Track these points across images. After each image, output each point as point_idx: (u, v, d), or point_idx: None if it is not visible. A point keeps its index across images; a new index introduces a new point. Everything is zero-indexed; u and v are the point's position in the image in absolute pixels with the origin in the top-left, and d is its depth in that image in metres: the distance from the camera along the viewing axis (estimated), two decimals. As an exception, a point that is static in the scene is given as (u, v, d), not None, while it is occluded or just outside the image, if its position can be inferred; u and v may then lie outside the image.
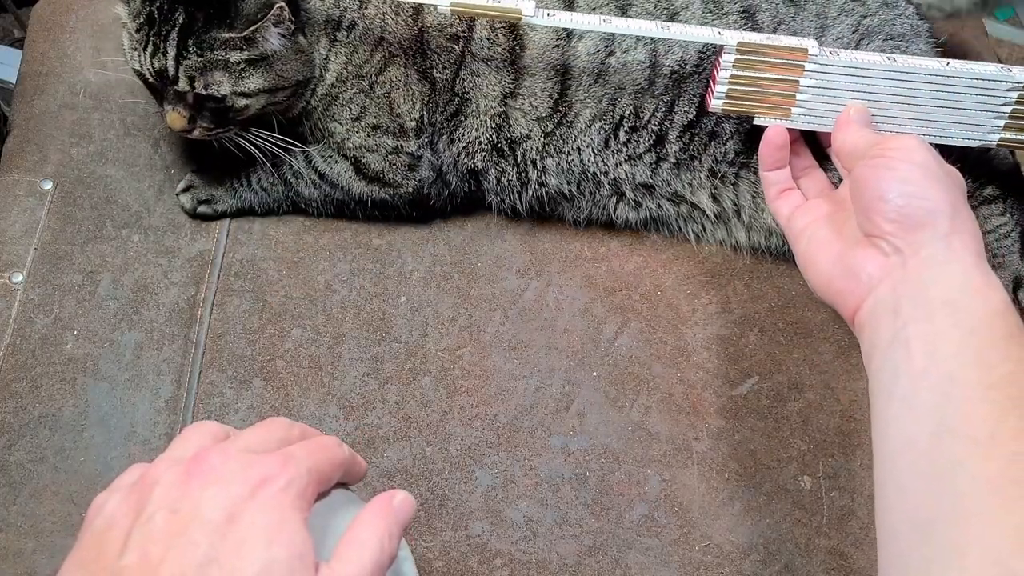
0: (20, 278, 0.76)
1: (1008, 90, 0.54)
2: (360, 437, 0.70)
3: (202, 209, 0.79)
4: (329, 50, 0.73)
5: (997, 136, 0.57)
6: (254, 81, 0.69)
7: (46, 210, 0.80)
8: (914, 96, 0.56)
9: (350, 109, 0.74)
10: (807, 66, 0.56)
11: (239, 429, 0.44)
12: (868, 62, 0.55)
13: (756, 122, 0.59)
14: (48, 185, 0.81)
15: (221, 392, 0.72)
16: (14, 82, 0.90)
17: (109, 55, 0.89)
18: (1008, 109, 0.55)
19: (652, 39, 0.72)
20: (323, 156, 0.77)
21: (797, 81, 0.57)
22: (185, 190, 0.80)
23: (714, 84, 0.59)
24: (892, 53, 0.59)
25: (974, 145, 0.58)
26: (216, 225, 0.80)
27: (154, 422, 0.71)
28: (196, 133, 0.73)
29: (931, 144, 0.53)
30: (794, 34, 0.72)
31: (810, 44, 0.56)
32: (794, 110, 0.58)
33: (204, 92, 0.69)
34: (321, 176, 0.78)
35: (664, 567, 0.66)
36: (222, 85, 0.69)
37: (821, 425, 0.72)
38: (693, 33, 0.58)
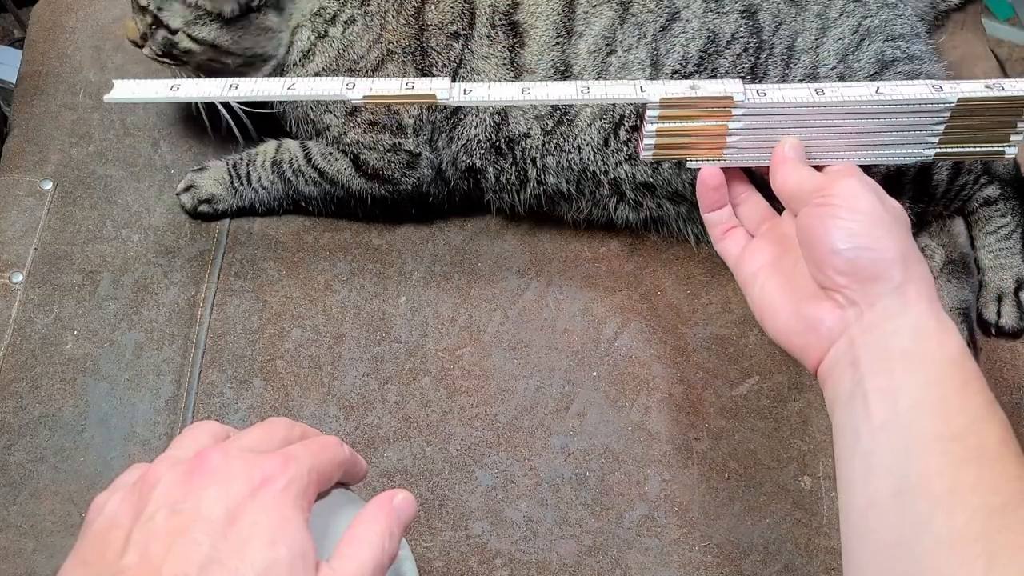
0: (20, 278, 0.76)
1: (940, 110, 0.54)
2: (360, 437, 0.70)
3: (203, 208, 0.79)
4: (315, 43, 0.73)
5: (932, 151, 0.57)
6: (205, 31, 0.71)
7: (46, 210, 0.80)
8: (845, 126, 0.55)
9: (343, 103, 0.74)
10: (734, 110, 0.55)
11: (239, 429, 0.44)
12: (795, 99, 0.54)
13: (689, 165, 0.59)
14: (48, 185, 0.81)
15: (221, 392, 0.72)
16: (14, 82, 0.90)
17: (109, 55, 0.90)
18: (942, 127, 0.55)
19: (654, 37, 0.72)
20: (323, 154, 0.77)
21: (726, 124, 0.56)
22: (186, 190, 0.80)
23: (642, 136, 0.58)
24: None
25: (910, 162, 0.59)
26: (216, 225, 0.80)
27: (154, 422, 0.71)
28: (145, 51, 0.75)
29: (868, 165, 0.54)
30: (795, 35, 0.72)
31: (735, 90, 0.55)
32: (726, 151, 0.57)
33: (156, 13, 0.71)
34: (321, 174, 0.78)
35: (664, 567, 0.66)
36: (174, 18, 0.71)
37: (821, 425, 0.72)
38: (614, 93, 0.57)
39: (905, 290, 0.48)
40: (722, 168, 0.58)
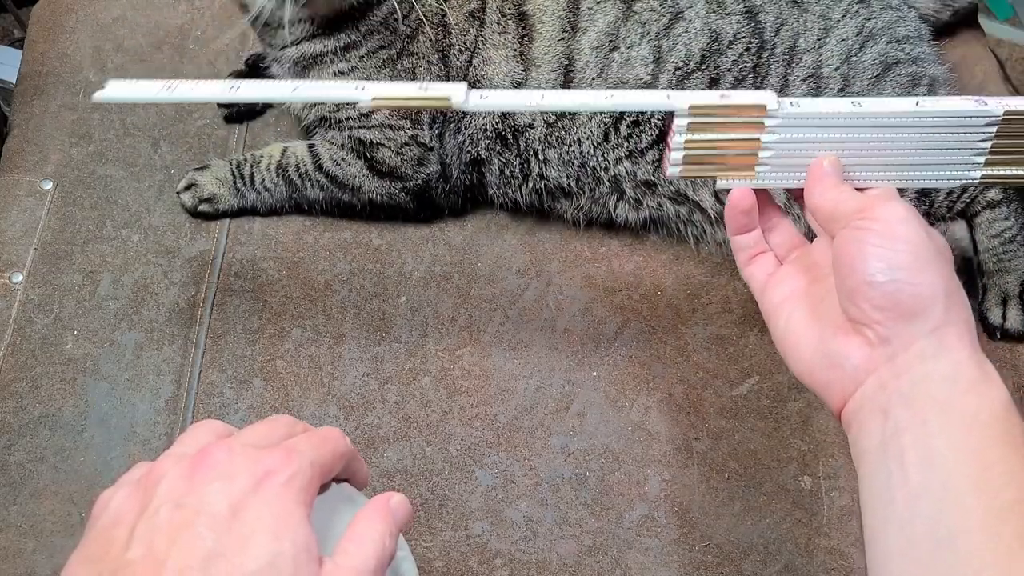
0: (20, 278, 0.76)
1: (985, 125, 0.50)
2: (360, 437, 0.70)
3: (203, 208, 0.79)
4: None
5: (979, 173, 0.52)
6: None
7: (46, 210, 0.80)
8: (885, 141, 0.51)
9: (381, 77, 0.75)
10: (767, 121, 0.50)
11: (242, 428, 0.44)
12: (833, 111, 0.50)
13: (719, 185, 0.53)
14: (48, 185, 0.81)
15: (221, 392, 0.72)
16: (14, 82, 0.90)
17: (109, 55, 0.90)
18: (987, 144, 0.51)
19: (657, 35, 0.72)
20: (334, 159, 0.78)
21: (758, 138, 0.51)
22: (186, 188, 0.80)
23: (669, 150, 0.52)
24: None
25: (954, 185, 0.54)
26: (216, 225, 0.80)
27: (154, 422, 0.71)
28: None
29: (910, 188, 0.49)
30: (797, 36, 0.72)
31: (768, 99, 0.50)
32: (758, 168, 0.52)
33: None
34: (332, 179, 0.78)
35: (664, 567, 0.66)
36: None
37: (821, 425, 0.72)
38: (641, 101, 0.52)
39: (944, 332, 0.43)
40: (754, 190, 0.53)
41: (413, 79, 0.75)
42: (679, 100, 0.50)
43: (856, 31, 0.72)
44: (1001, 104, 0.49)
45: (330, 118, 0.77)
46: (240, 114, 0.86)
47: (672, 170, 0.52)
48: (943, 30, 0.87)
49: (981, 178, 0.52)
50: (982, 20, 0.94)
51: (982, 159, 0.51)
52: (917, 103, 0.50)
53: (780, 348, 0.50)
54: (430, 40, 0.74)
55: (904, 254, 0.43)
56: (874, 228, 0.44)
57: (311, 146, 0.79)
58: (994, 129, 0.50)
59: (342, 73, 0.75)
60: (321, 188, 0.78)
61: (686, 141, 0.51)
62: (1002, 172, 0.52)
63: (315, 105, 0.78)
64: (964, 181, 0.53)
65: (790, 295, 0.51)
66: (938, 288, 0.43)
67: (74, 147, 0.84)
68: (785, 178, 0.52)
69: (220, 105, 0.86)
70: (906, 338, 0.43)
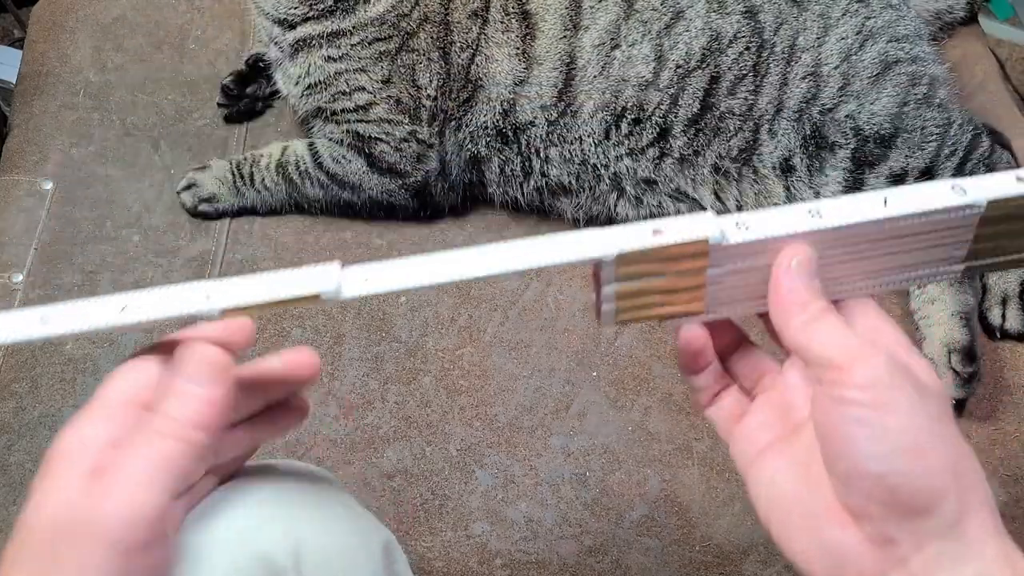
0: (20, 278, 0.76)
1: (965, 214, 0.41)
2: (360, 437, 0.70)
3: (203, 207, 0.79)
4: None
5: (961, 266, 0.43)
6: None
7: (46, 210, 0.80)
8: (854, 250, 0.42)
9: (378, 69, 0.75)
10: (712, 252, 0.40)
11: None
12: (787, 226, 0.40)
13: (665, 322, 0.43)
14: (48, 185, 0.81)
15: (221, 392, 0.72)
16: (14, 82, 0.90)
17: (109, 55, 0.89)
18: (970, 234, 0.42)
19: (658, 33, 0.73)
20: (334, 157, 0.78)
21: (704, 271, 0.41)
22: (187, 188, 0.80)
23: (598, 297, 0.41)
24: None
25: (936, 281, 0.47)
26: (216, 225, 0.80)
27: (154, 422, 0.71)
28: None
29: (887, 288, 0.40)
30: (796, 35, 0.72)
31: (709, 229, 0.39)
32: (708, 301, 0.42)
33: None
34: (332, 177, 0.78)
35: (664, 567, 0.66)
36: None
37: (821, 425, 0.72)
38: (566, 255, 0.41)
39: (964, 526, 0.34)
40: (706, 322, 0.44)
41: (413, 76, 0.75)
42: (605, 246, 0.40)
43: (856, 30, 0.72)
44: (982, 190, 0.41)
45: (326, 109, 0.77)
46: (240, 113, 0.86)
47: (605, 320, 0.42)
48: (950, 28, 0.89)
49: (964, 269, 0.44)
50: (982, 20, 0.94)
51: (963, 252, 0.43)
52: (885, 201, 0.41)
53: (762, 516, 0.39)
54: (431, 37, 0.74)
55: (899, 435, 0.34)
56: (854, 398, 0.34)
57: (311, 144, 0.79)
58: (975, 216, 0.41)
59: (332, 59, 0.75)
60: (321, 186, 0.78)
61: (616, 291, 0.41)
62: (987, 261, 0.44)
63: (311, 95, 0.78)
64: (945, 276, 0.45)
65: (767, 448, 0.40)
66: (946, 472, 0.34)
67: (74, 147, 0.84)
68: (741, 308, 0.43)
69: (220, 104, 0.86)
70: (917, 538, 0.34)
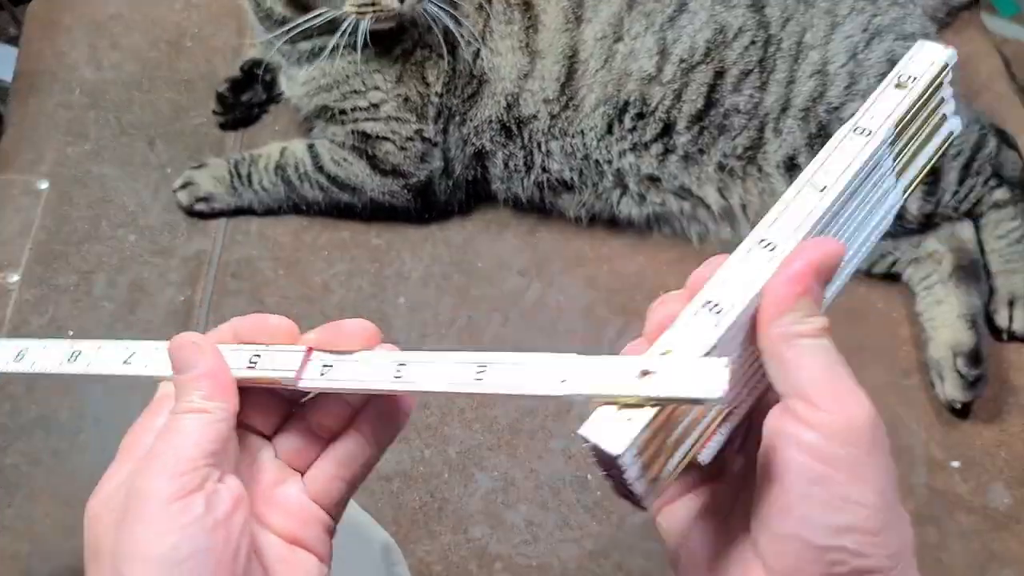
0: (15, 278, 0.76)
1: (879, 152, 0.39)
2: (359, 439, 0.70)
3: (199, 207, 0.79)
4: None
5: (901, 197, 0.40)
6: None
7: (41, 209, 0.79)
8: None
9: (393, 67, 0.75)
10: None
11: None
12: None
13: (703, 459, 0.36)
14: (43, 184, 0.81)
15: (218, 394, 0.72)
16: (10, 80, 0.90)
17: (105, 53, 0.89)
18: (891, 162, 0.39)
19: (661, 26, 0.72)
20: (335, 160, 0.77)
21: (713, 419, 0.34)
22: (183, 186, 0.79)
23: (629, 485, 0.31)
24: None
25: (888, 226, 0.42)
26: (213, 224, 0.80)
27: (150, 424, 0.70)
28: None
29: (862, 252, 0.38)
30: (803, 31, 0.72)
31: (717, 392, 0.29)
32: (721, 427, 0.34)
33: None
34: (332, 179, 0.77)
35: (666, 571, 0.65)
36: None
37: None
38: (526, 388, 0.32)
39: None
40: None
41: (422, 73, 0.75)
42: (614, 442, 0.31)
43: (862, 27, 0.72)
44: (882, 121, 0.39)
45: (333, 108, 0.76)
46: (236, 121, 0.85)
47: (648, 502, 0.31)
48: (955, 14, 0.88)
49: (903, 194, 0.40)
50: (985, 18, 0.93)
51: (896, 179, 0.40)
52: (823, 190, 0.36)
53: (669, 559, 0.35)
54: (442, 32, 0.74)
55: (859, 508, 0.28)
56: (824, 451, 0.28)
57: (310, 146, 0.78)
58: (885, 147, 0.39)
59: (351, 61, 0.74)
60: (321, 189, 0.78)
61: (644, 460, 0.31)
62: (914, 174, 0.41)
63: (317, 94, 0.77)
64: (895, 212, 0.41)
65: (687, 487, 0.35)
66: (897, 555, 0.28)
67: (70, 146, 0.83)
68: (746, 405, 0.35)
69: (216, 112, 0.85)
70: None
